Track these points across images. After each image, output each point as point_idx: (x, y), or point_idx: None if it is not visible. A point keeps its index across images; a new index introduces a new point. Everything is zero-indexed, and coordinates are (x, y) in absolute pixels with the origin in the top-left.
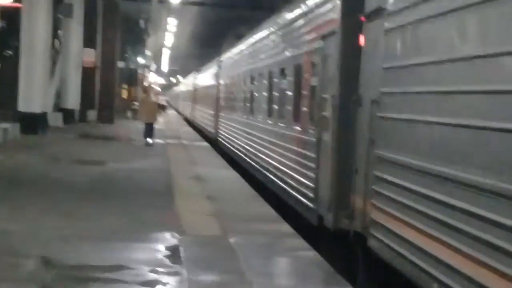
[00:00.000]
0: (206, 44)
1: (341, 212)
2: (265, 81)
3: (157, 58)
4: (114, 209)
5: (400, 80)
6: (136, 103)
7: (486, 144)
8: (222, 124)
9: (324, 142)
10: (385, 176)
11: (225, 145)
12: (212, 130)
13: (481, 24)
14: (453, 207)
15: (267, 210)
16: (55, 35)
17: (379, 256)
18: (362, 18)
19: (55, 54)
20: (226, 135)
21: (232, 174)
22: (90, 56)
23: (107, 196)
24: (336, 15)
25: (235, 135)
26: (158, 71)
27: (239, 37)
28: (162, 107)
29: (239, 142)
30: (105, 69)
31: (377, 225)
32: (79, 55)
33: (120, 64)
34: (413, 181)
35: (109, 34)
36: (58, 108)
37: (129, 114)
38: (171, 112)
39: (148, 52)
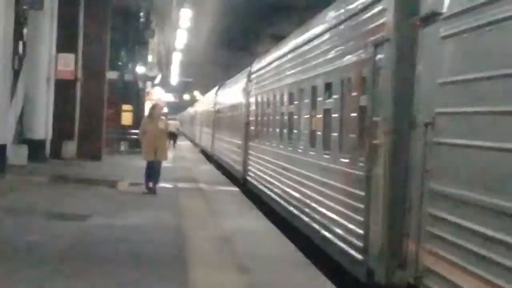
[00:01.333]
0: (235, 44)
1: (394, 262)
2: (307, 100)
3: (164, 66)
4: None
5: (457, 98)
6: (135, 131)
7: None
8: (252, 159)
9: (375, 177)
10: (440, 214)
11: (256, 186)
12: (239, 168)
13: None
14: None
15: (323, 283)
16: (18, 35)
17: None
18: (418, 23)
19: (18, 62)
20: (258, 172)
21: (270, 229)
22: (68, 65)
23: (88, 269)
24: (389, 17)
25: (269, 173)
26: (165, 85)
27: (277, 38)
28: (171, 136)
29: (274, 182)
30: (89, 82)
31: (432, 274)
32: (52, 62)
33: (111, 74)
34: (475, 219)
35: (94, 33)
36: (21, 138)
37: (123, 146)
38: (183, 143)
39: (151, 58)
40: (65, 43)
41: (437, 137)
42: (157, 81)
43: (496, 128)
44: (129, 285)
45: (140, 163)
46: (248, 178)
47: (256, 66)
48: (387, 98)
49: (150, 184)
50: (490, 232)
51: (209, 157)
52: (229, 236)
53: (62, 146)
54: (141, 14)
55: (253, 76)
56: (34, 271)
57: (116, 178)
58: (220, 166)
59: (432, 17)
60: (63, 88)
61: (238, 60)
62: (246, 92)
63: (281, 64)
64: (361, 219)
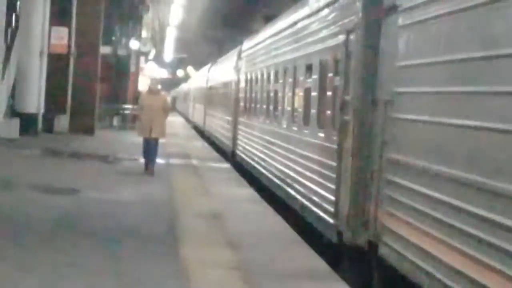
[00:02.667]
0: (229, 21)
1: (358, 224)
2: (291, 79)
3: (158, 42)
4: (88, 263)
5: (412, 80)
6: (128, 106)
7: (507, 147)
8: (241, 133)
9: (345, 149)
10: (396, 180)
11: (244, 159)
12: (228, 143)
13: (500, 22)
14: (467, 212)
15: (314, 261)
16: (11, 8)
17: (389, 264)
18: (381, 13)
19: (11, 35)
20: (246, 146)
21: (261, 208)
22: (61, 38)
23: (79, 242)
24: (357, 7)
25: (256, 147)
26: (160, 61)
27: (268, 19)
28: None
29: (261, 155)
30: (82, 56)
31: (388, 232)
32: (45, 36)
33: (105, 49)
34: (425, 184)
35: (88, 7)
36: (13, 112)
37: (115, 121)
38: (177, 119)
39: (145, 34)
40: (59, 17)
41: (395, 113)
42: (150, 56)
43: (443, 106)
44: (124, 258)
45: (133, 138)
46: (237, 151)
47: (246, 45)
48: (355, 79)
49: (147, 162)
50: (437, 195)
51: (202, 133)
52: (221, 213)
53: (54, 120)
54: None
55: (243, 54)
56: (24, 241)
57: (108, 152)
58: (212, 142)
59: (392, 9)
60: (56, 62)
61: (233, 37)
62: (237, 70)
63: (268, 45)
64: (333, 187)
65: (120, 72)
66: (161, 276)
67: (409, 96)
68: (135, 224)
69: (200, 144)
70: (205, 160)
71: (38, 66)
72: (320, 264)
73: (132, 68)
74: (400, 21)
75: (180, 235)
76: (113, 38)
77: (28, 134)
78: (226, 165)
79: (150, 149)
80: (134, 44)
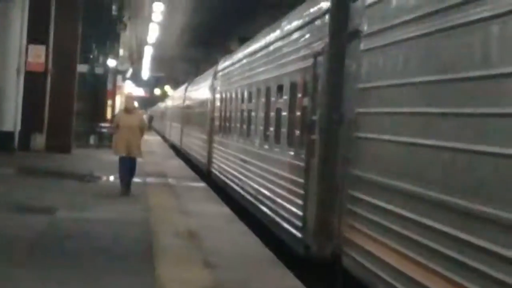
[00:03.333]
0: (207, 40)
1: (324, 237)
2: (263, 100)
3: (135, 60)
4: (64, 284)
5: (372, 101)
6: (105, 124)
7: (450, 164)
8: (216, 152)
9: (312, 167)
10: (357, 195)
11: (219, 177)
12: (204, 161)
13: (442, 50)
14: (419, 224)
15: (290, 282)
16: None
17: (351, 272)
18: (346, 39)
19: None
20: (221, 165)
21: (237, 227)
22: (38, 56)
23: (53, 263)
24: (324, 32)
25: (230, 165)
26: (137, 79)
27: (243, 40)
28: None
29: (235, 173)
30: (59, 74)
31: (349, 243)
32: (22, 54)
33: (82, 67)
34: (382, 199)
35: (66, 25)
36: None
37: (92, 140)
38: (153, 138)
39: (122, 52)
40: (36, 35)
41: (357, 132)
42: (128, 75)
43: (397, 125)
44: (98, 276)
45: (110, 156)
46: (212, 170)
47: (221, 65)
48: (322, 100)
49: (124, 184)
50: (393, 209)
51: (178, 152)
52: (198, 232)
53: (30, 138)
54: (113, 7)
55: (218, 75)
56: None
57: (85, 171)
58: (188, 160)
59: (356, 34)
60: (33, 80)
61: (210, 56)
62: (212, 90)
63: (242, 65)
64: (301, 203)
65: (97, 90)
66: None
67: (368, 116)
68: (111, 243)
69: (177, 163)
70: (181, 179)
71: (15, 84)
72: (296, 284)
73: (109, 87)
74: (362, 46)
75: (156, 254)
76: (91, 56)
77: (4, 152)
78: (202, 184)
79: (126, 169)
80: (111, 63)
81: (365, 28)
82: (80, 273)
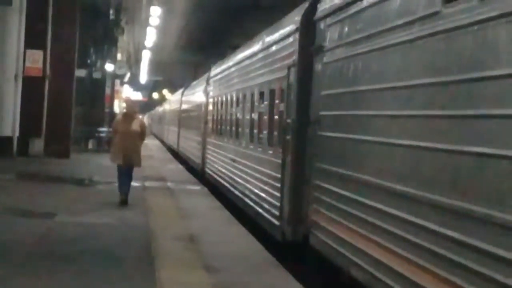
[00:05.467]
0: (204, 45)
1: (296, 223)
2: (248, 104)
3: (133, 64)
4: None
5: (331, 105)
6: (103, 129)
7: (387, 156)
8: (209, 153)
9: (287, 163)
10: (321, 184)
11: (212, 176)
12: (199, 162)
13: (379, 64)
14: (371, 207)
15: (290, 284)
16: None
17: (316, 249)
18: (312, 52)
19: None
20: (214, 165)
21: (236, 229)
22: (36, 61)
23: (54, 266)
24: (295, 48)
25: (222, 164)
26: (135, 83)
27: (234, 48)
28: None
29: (225, 172)
30: (57, 79)
31: (315, 225)
32: (20, 59)
33: (80, 72)
34: (341, 187)
35: (63, 30)
36: None
37: (91, 144)
38: (152, 142)
39: (120, 56)
40: (34, 40)
41: (320, 131)
42: (126, 79)
43: (348, 125)
44: (98, 280)
45: (108, 161)
46: (206, 170)
47: (213, 71)
48: (293, 105)
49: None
50: (353, 196)
51: (176, 154)
52: (198, 236)
53: (29, 144)
54: (111, 11)
55: (211, 80)
56: None
57: (84, 176)
58: (184, 162)
59: (320, 49)
60: (31, 85)
61: (207, 61)
62: (206, 94)
63: (231, 72)
64: (278, 195)
65: (95, 95)
66: None
67: (328, 118)
68: (111, 247)
69: (174, 167)
70: (180, 182)
71: (13, 89)
72: (296, 286)
73: (107, 91)
74: (325, 59)
75: (156, 257)
76: (88, 61)
77: (3, 157)
78: (200, 187)
79: (123, 177)
80: (109, 67)
81: (326, 44)
82: (79, 277)
